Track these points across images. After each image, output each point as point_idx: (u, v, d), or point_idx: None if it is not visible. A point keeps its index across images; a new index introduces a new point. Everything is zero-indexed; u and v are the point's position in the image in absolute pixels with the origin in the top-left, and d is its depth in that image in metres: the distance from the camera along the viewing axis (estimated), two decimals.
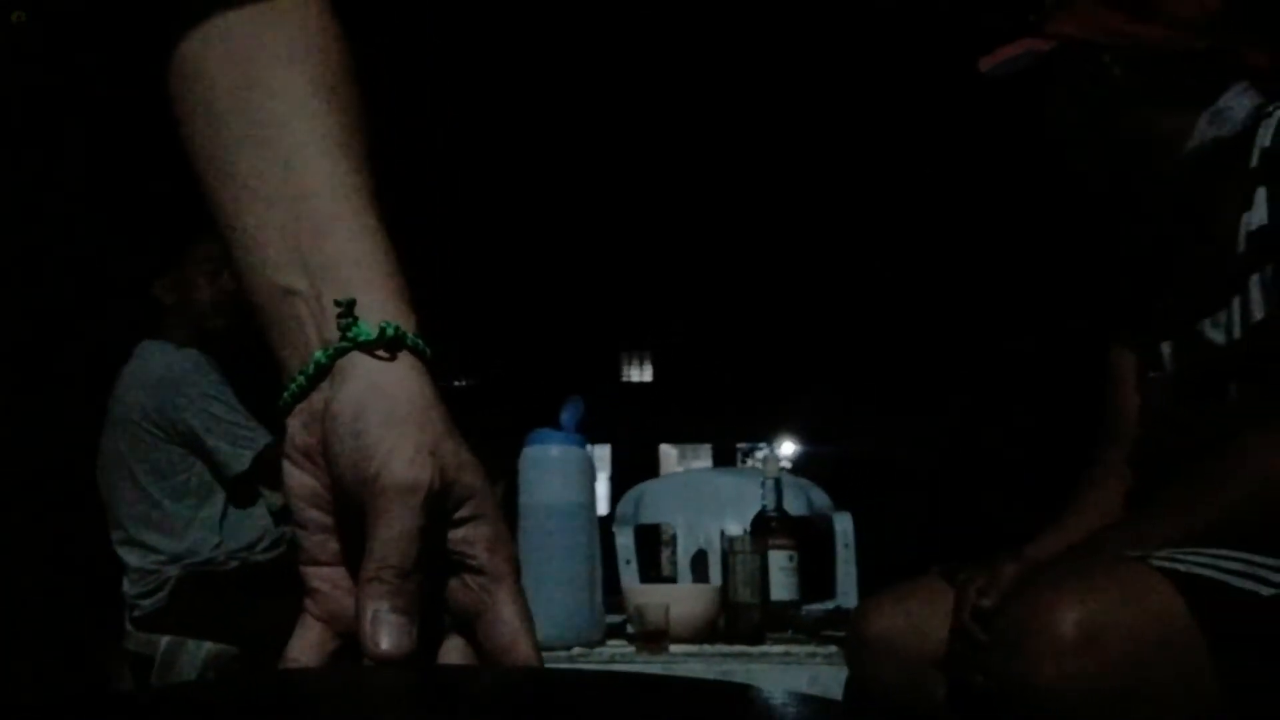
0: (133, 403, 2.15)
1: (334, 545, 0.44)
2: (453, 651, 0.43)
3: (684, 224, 21.33)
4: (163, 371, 2.16)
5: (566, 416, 1.49)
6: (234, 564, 2.16)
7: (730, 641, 1.59)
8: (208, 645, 2.08)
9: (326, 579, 0.43)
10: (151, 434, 2.14)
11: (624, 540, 2.21)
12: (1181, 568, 0.92)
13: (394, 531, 0.40)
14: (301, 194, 0.46)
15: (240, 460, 2.12)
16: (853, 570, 2.19)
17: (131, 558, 2.14)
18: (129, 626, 2.14)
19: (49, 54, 0.53)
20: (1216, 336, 1.14)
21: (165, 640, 2.09)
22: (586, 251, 21.12)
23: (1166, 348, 1.23)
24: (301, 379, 0.44)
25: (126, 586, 2.14)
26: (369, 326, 0.43)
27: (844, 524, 2.23)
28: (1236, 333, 1.11)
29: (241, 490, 2.19)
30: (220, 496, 2.18)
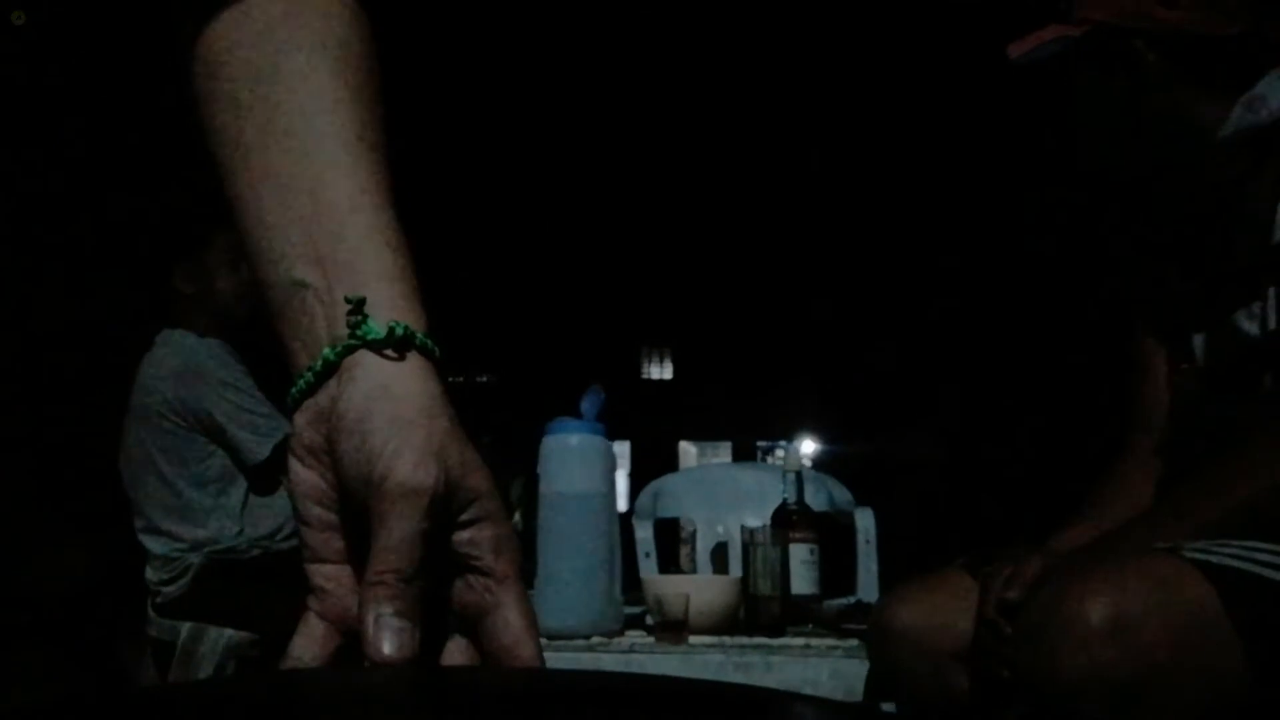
0: (154, 391, 2.16)
1: (338, 543, 0.43)
2: (456, 652, 0.43)
3: (705, 222, 21.31)
4: (185, 360, 2.17)
5: (586, 405, 1.49)
6: (255, 552, 2.17)
7: (750, 633, 1.57)
8: (229, 632, 2.10)
9: (330, 577, 0.43)
10: (173, 422, 2.15)
11: (643, 533, 2.20)
12: (1214, 559, 0.90)
13: (398, 535, 0.39)
14: (319, 186, 0.46)
15: (261, 449, 2.13)
16: (874, 566, 2.16)
17: (154, 545, 2.16)
18: (151, 613, 2.16)
19: (49, 54, 0.53)
20: (1251, 328, 1.12)
21: (187, 627, 2.11)
22: (607, 249, 21.13)
23: (1199, 339, 1.21)
24: (309, 375, 0.43)
25: (149, 573, 2.16)
26: (378, 325, 0.43)
27: (865, 519, 2.21)
28: (1272, 324, 1.09)
29: (263, 479, 2.20)
30: (242, 485, 2.19)
